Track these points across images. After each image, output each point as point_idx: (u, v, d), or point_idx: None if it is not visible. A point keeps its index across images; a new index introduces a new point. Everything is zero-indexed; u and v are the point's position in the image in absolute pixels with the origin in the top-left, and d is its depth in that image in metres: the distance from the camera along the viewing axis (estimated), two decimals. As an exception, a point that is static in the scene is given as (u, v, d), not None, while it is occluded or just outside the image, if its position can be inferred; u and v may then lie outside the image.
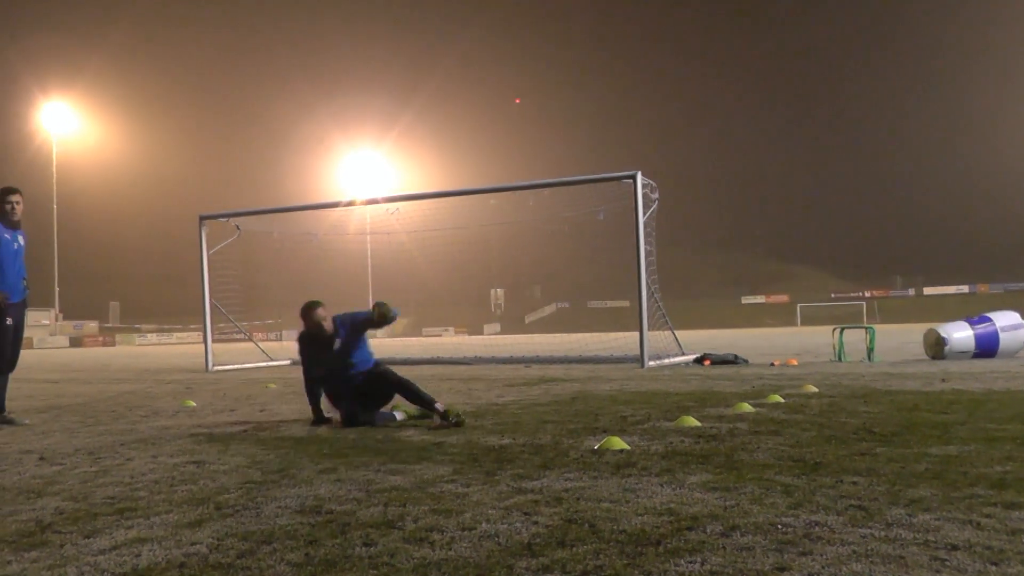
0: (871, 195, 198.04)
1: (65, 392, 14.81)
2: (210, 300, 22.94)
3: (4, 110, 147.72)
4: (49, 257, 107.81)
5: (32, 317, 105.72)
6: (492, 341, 43.70)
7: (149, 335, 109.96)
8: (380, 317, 8.37)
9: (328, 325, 8.71)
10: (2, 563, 3.66)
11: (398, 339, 75.72)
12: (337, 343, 8.67)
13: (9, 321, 9.68)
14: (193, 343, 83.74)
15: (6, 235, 9.64)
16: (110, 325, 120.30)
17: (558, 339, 31.57)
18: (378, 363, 8.92)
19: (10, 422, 9.57)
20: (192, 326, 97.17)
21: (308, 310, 8.73)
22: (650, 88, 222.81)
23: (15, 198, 9.75)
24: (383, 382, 8.67)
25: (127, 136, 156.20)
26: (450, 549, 3.63)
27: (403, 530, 3.97)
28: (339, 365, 8.70)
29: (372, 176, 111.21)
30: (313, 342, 8.78)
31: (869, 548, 3.48)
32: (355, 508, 4.47)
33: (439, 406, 8.21)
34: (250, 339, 28.64)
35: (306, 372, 8.93)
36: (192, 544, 3.84)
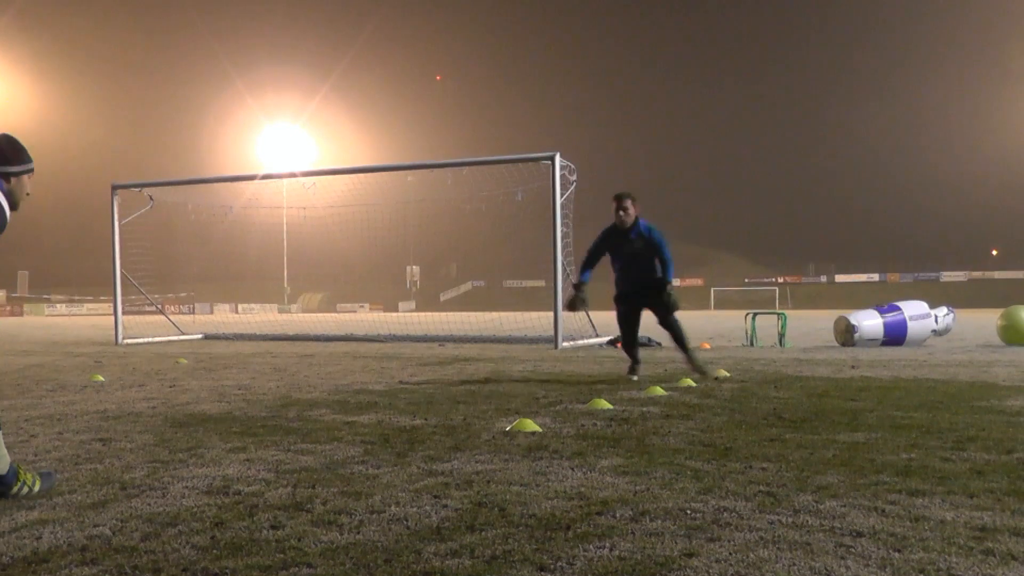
0: (786, 182, 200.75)
1: (-33, 363, 14.45)
2: (121, 271, 22.55)
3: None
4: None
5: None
6: (407, 318, 43.52)
7: (59, 305, 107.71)
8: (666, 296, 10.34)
9: (627, 219, 10.32)
10: None
11: (312, 315, 75.09)
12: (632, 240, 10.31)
13: None
14: (104, 314, 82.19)
15: None
16: (18, 295, 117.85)
17: (473, 318, 31.51)
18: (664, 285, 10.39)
19: None
20: (103, 297, 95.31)
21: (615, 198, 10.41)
22: (571, 70, 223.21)
23: None
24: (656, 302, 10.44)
25: (38, 102, 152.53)
26: (358, 533, 3.60)
27: (311, 512, 3.92)
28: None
29: (290, 149, 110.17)
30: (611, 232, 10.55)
31: (776, 534, 3.51)
32: (263, 489, 4.41)
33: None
34: (162, 312, 28.26)
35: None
36: (95, 526, 3.74)
